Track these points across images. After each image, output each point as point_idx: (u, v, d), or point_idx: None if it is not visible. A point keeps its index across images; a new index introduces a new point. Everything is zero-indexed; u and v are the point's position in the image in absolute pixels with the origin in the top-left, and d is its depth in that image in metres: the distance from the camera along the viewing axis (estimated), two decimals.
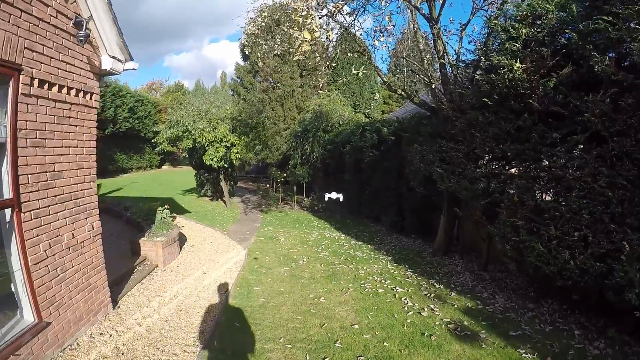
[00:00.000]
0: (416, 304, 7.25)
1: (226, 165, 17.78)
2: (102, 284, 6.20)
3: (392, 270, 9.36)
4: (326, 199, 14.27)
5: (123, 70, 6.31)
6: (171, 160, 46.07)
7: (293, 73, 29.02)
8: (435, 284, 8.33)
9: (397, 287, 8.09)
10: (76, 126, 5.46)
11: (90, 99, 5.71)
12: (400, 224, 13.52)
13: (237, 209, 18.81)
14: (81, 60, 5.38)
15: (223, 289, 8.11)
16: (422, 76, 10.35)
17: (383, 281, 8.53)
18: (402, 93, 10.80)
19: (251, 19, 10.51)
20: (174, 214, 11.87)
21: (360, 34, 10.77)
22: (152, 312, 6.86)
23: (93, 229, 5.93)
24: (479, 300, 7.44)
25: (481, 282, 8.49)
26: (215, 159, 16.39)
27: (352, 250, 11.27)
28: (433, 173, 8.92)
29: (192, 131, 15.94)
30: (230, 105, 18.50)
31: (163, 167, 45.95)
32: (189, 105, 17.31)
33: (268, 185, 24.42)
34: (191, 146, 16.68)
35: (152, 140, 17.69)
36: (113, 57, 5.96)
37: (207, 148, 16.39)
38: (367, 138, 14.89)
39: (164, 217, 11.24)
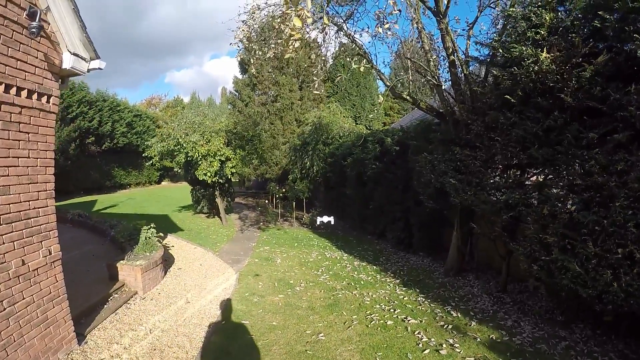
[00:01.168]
0: (432, 339, 6.19)
1: (221, 181, 16.93)
2: (63, 318, 5.42)
3: (402, 296, 8.29)
4: (318, 222, 13.19)
5: (88, 69, 5.52)
6: (171, 176, 45.20)
7: (292, 85, 28.37)
8: (451, 312, 7.27)
9: (409, 318, 7.03)
10: (28, 133, 4.72)
11: (48, 102, 4.98)
12: (407, 240, 12.47)
13: (233, 227, 17.79)
14: (36, 57, 4.69)
15: (206, 322, 7.12)
16: (428, 78, 9.39)
17: (392, 310, 7.45)
18: (408, 98, 9.85)
19: (243, 22, 9.60)
20: (160, 234, 11.10)
21: (360, 35, 9.78)
22: (122, 350, 5.93)
23: (50, 254, 5.13)
24: (503, 330, 6.42)
25: (502, 307, 7.48)
26: (209, 174, 15.46)
27: (355, 273, 10.20)
28: (446, 184, 7.92)
29: (184, 144, 15.02)
30: (225, 118, 17.57)
31: (162, 183, 45.05)
32: (181, 117, 16.39)
33: (267, 202, 23.54)
34: (184, 160, 15.76)
35: (143, 155, 16.70)
36: (75, 55, 5.19)
37: (200, 162, 15.48)
38: (369, 149, 13.95)
39: (149, 237, 10.33)
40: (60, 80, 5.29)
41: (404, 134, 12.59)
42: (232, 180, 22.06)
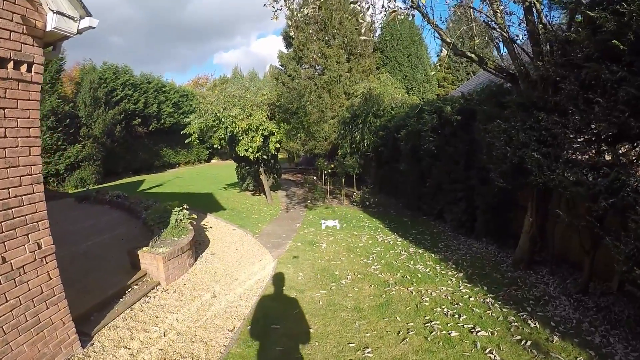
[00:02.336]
0: None
1: (265, 157, 15.86)
2: (60, 319, 4.81)
3: (467, 295, 6.86)
4: (323, 227, 11.79)
5: (79, 30, 4.57)
6: (220, 154, 44.75)
7: (339, 57, 26.83)
8: (528, 320, 5.81)
9: (477, 328, 5.64)
10: (3, 109, 4.02)
11: (28, 71, 4.21)
12: (469, 224, 10.89)
13: (278, 205, 16.79)
14: (11, 20, 3.94)
15: (230, 324, 6.07)
16: (498, 31, 7.78)
17: (456, 316, 6.06)
18: (472, 55, 8.28)
19: None
20: (194, 215, 10.14)
21: None
22: (128, 357, 5.08)
23: (39, 248, 4.48)
24: (592, 349, 4.99)
25: (585, 314, 5.98)
26: (250, 150, 14.41)
27: (411, 262, 8.80)
28: (527, 160, 6.36)
29: (223, 119, 14.01)
30: (268, 90, 16.42)
31: (212, 161, 44.84)
32: (220, 91, 15.30)
33: (315, 178, 22.37)
34: (223, 136, 14.77)
35: (182, 132, 15.78)
36: (59, 13, 4.27)
37: (240, 138, 14.44)
38: (425, 120, 12.40)
39: (180, 220, 9.40)
40: (51, 46, 4.68)
41: (466, 101, 10.95)
42: (279, 156, 21.12)
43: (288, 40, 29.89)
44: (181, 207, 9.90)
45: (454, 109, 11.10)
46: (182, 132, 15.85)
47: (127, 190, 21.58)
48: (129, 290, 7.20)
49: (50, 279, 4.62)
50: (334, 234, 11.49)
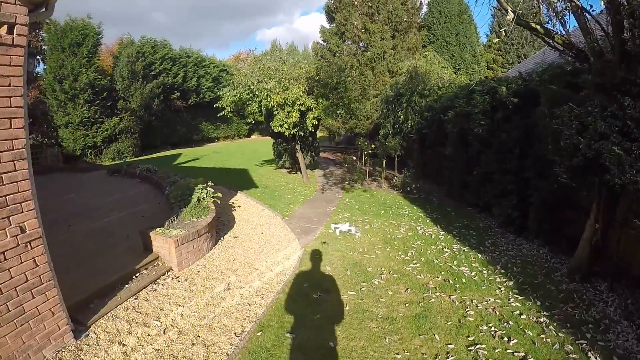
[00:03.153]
0: None
1: (302, 134, 15.05)
2: (49, 309, 4.39)
3: (518, 311, 5.72)
4: (337, 232, 10.59)
5: None
6: (261, 129, 44.36)
7: (383, 33, 25.67)
8: (588, 352, 4.68)
9: (530, 358, 4.57)
10: None
11: (9, 33, 3.68)
12: (519, 221, 9.63)
13: (314, 185, 15.97)
14: None
15: (239, 326, 5.26)
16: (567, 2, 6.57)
17: (505, 339, 4.97)
18: (537, 27, 7.09)
19: None
20: (218, 194, 9.40)
21: None
22: (120, 355, 4.49)
23: (22, 232, 4.02)
24: None
25: None
26: (286, 125, 13.52)
27: (454, 262, 7.69)
28: (604, 154, 5.20)
29: (257, 93, 13.15)
30: (306, 64, 15.43)
31: (252, 136, 44.47)
32: (254, 63, 14.39)
33: (355, 158, 21.36)
34: (257, 110, 13.93)
35: (215, 105, 15.10)
36: None
37: (275, 112, 13.58)
38: (476, 101, 11.18)
39: (202, 199, 8.65)
40: (43, 7, 4.04)
41: (524, 82, 9.70)
42: (319, 134, 20.25)
43: (330, 14, 28.81)
44: (205, 185, 9.19)
45: (510, 90, 9.90)
46: (214, 106, 15.16)
47: (162, 163, 21.87)
48: (137, 275, 6.55)
49: (37, 265, 4.16)
50: (370, 222, 10.48)
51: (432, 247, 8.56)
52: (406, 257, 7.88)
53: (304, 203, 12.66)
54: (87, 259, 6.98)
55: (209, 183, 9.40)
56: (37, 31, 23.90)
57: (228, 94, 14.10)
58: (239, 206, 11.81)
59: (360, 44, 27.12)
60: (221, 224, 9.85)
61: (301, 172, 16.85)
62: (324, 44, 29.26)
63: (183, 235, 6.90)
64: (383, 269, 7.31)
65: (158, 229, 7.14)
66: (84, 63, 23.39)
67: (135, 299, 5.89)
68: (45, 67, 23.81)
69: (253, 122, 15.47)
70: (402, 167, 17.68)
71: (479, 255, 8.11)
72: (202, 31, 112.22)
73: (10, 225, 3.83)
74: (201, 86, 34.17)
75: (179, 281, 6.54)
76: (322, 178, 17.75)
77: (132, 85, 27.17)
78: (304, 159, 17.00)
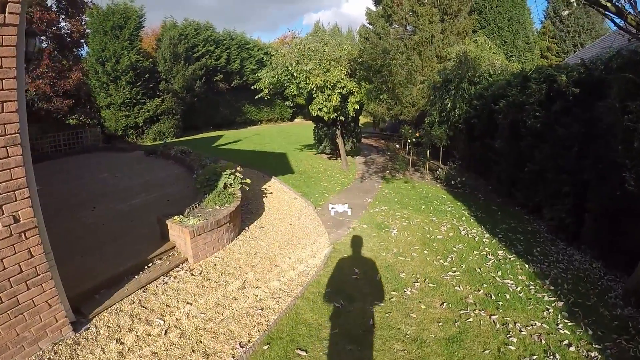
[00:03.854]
0: None
1: (343, 118, 14.28)
2: (46, 301, 4.24)
3: (566, 341, 4.75)
4: (332, 213, 9.62)
5: None
6: (305, 113, 43.83)
7: (432, 16, 24.41)
8: None
9: None
10: None
11: (1, 12, 3.45)
12: (572, 228, 8.56)
13: (353, 172, 15.22)
14: None
15: (247, 334, 4.69)
16: None
17: None
18: (608, 5, 6.09)
19: None
20: (247, 181, 9.01)
21: None
22: (116, 356, 4.22)
23: (17, 221, 3.85)
24: None
25: None
26: (325, 109, 12.79)
27: (499, 273, 6.73)
28: None
29: (295, 74, 12.46)
30: (349, 45, 14.49)
31: (296, 120, 43.76)
32: (294, 44, 13.68)
33: (398, 146, 20.44)
34: (295, 93, 13.26)
35: (252, 87, 14.57)
36: None
37: (315, 95, 12.85)
38: (532, 91, 10.10)
39: (229, 185, 8.10)
40: None
41: (587, 70, 8.63)
42: (362, 119, 19.49)
43: None
44: (233, 170, 8.65)
45: (570, 79, 8.85)
46: (252, 88, 14.71)
47: (202, 145, 22.06)
48: (150, 265, 6.12)
49: (32, 256, 3.99)
50: (409, 218, 9.64)
51: (475, 252, 7.61)
52: (445, 263, 7.01)
53: (339, 192, 11.97)
54: (102, 244, 6.70)
55: (238, 168, 8.89)
56: (80, 16, 24.12)
57: (266, 75, 13.45)
58: (271, 193, 11.28)
59: (408, 28, 26.02)
60: (249, 212, 9.33)
61: (341, 159, 16.13)
62: (370, 27, 28.29)
63: (200, 225, 6.37)
64: (418, 275, 6.51)
65: (176, 217, 6.64)
66: (125, 45, 23.76)
67: (144, 291, 5.48)
68: (88, 50, 24.40)
69: (292, 105, 14.87)
70: (446, 158, 16.69)
71: (526, 265, 7.13)
72: (248, 15, 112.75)
73: (3, 214, 3.68)
74: (244, 69, 33.84)
75: (192, 275, 6.04)
76: (363, 165, 16.98)
77: (174, 67, 27.14)
78: (345, 145, 16.26)
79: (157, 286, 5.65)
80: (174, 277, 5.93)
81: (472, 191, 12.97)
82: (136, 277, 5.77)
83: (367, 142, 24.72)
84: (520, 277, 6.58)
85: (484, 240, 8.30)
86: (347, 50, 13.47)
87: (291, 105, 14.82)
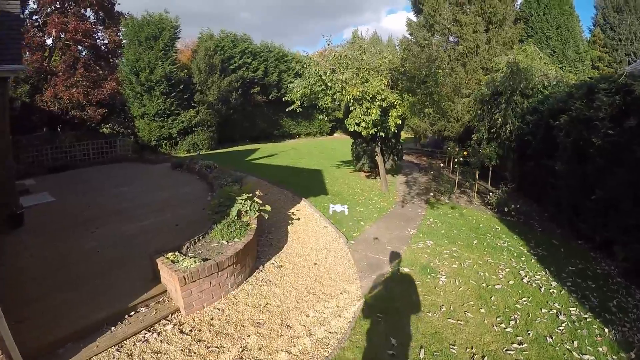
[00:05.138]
0: None
1: (382, 134, 12.84)
2: None
3: None
4: (330, 212, 8.06)
5: None
6: (344, 128, 42.82)
7: (476, 25, 22.82)
8: None
9: None
10: None
11: None
12: None
13: (393, 194, 13.74)
14: None
15: None
16: None
17: None
18: None
19: None
20: (266, 206, 7.74)
21: None
22: None
23: None
24: None
25: None
26: (363, 124, 11.47)
27: (574, 342, 5.12)
28: None
29: (330, 84, 11.20)
30: (389, 53, 13.01)
31: (335, 134, 42.49)
32: (330, 52, 12.40)
33: (442, 165, 18.89)
34: (329, 105, 12.02)
35: (283, 99, 13.52)
36: None
37: (352, 108, 11.59)
38: (601, 103, 8.56)
39: (244, 213, 6.90)
40: None
41: None
42: (403, 135, 18.15)
43: (418, 5, 26.40)
44: (250, 194, 7.41)
45: None
46: (283, 99, 13.52)
47: (235, 158, 21.82)
48: (133, 313, 5.00)
49: None
50: (459, 257, 8.11)
51: (543, 310, 5.99)
52: (507, 329, 5.42)
53: (378, 220, 10.52)
54: (90, 278, 5.91)
55: (257, 192, 7.68)
56: (117, 26, 24.70)
57: (298, 85, 12.24)
58: (298, 219, 10.01)
59: (450, 38, 24.56)
60: (267, 244, 8.10)
61: (380, 178, 14.72)
62: (411, 37, 26.98)
63: (195, 270, 5.13)
64: (474, 350, 4.94)
65: (169, 255, 5.46)
66: (160, 56, 23.75)
67: (118, 350, 4.44)
68: (123, 60, 24.51)
69: (328, 118, 13.59)
70: (494, 179, 15.08)
71: (605, 329, 5.50)
72: (288, 30, 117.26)
73: None
74: (282, 81, 33.15)
75: (181, 331, 4.85)
76: (404, 186, 15.46)
77: (209, 79, 26.79)
78: (385, 163, 14.86)
79: (135, 344, 4.55)
80: (158, 334, 4.77)
81: (526, 219, 11.27)
82: (113, 328, 4.71)
83: (407, 158, 23.23)
84: (601, 349, 5.03)
85: (551, 290, 6.68)
86: (387, 59, 12.11)
87: (326, 118, 13.59)
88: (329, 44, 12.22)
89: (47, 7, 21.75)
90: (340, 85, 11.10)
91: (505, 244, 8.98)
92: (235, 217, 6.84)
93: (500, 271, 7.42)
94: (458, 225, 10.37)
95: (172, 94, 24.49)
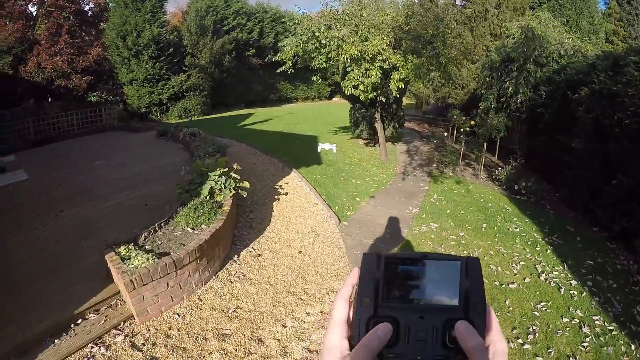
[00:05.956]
0: None
1: (383, 99, 11.86)
2: None
3: None
4: (319, 149, 7.04)
5: None
6: (343, 92, 41.64)
7: None
8: None
9: None
10: None
11: None
12: None
13: (394, 165, 12.72)
14: None
15: None
16: None
17: None
18: None
19: None
20: (245, 183, 6.71)
21: None
22: None
23: None
24: None
25: None
26: (362, 87, 10.43)
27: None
28: None
29: (323, 41, 10.02)
30: (392, 10, 11.84)
31: (334, 99, 41.21)
32: (324, 7, 11.19)
33: (446, 134, 17.77)
34: (323, 65, 10.79)
35: (274, 59, 12.48)
36: None
37: (349, 69, 10.49)
38: (631, 77, 7.51)
39: (218, 191, 5.92)
40: None
41: None
42: (404, 100, 17.06)
43: None
44: (225, 169, 6.39)
45: None
46: (273, 60, 12.81)
47: (228, 124, 21.07)
48: (80, 321, 4.15)
49: None
50: (467, 245, 7.12)
51: (564, 318, 5.01)
52: (526, 345, 4.45)
53: (375, 196, 9.51)
54: (38, 277, 4.97)
55: (235, 166, 6.64)
56: None
57: (290, 44, 11.09)
58: (286, 193, 9.03)
59: (458, 1, 23.27)
60: (248, 226, 7.12)
61: (380, 146, 13.67)
62: (416, 0, 25.74)
63: (145, 273, 4.13)
64: None
65: (121, 249, 4.49)
66: (147, 18, 22.53)
67: None
68: (109, 24, 23.26)
69: (319, 78, 12.31)
70: (506, 153, 13.97)
71: (631, 345, 4.55)
72: None
73: None
74: (279, 43, 31.72)
75: (132, 345, 3.96)
76: (405, 155, 14.38)
77: (200, 41, 25.71)
78: (385, 130, 13.80)
79: None
80: (107, 347, 3.90)
81: (537, 199, 10.26)
82: (57, 341, 3.86)
83: (408, 125, 21.88)
84: None
85: (572, 292, 5.70)
86: (390, 16, 11.01)
87: (320, 80, 12.35)
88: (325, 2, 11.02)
89: None
90: (336, 43, 9.96)
91: (518, 229, 7.98)
92: (207, 197, 5.87)
93: (514, 265, 6.42)
94: (465, 204, 9.36)
95: (162, 58, 23.38)
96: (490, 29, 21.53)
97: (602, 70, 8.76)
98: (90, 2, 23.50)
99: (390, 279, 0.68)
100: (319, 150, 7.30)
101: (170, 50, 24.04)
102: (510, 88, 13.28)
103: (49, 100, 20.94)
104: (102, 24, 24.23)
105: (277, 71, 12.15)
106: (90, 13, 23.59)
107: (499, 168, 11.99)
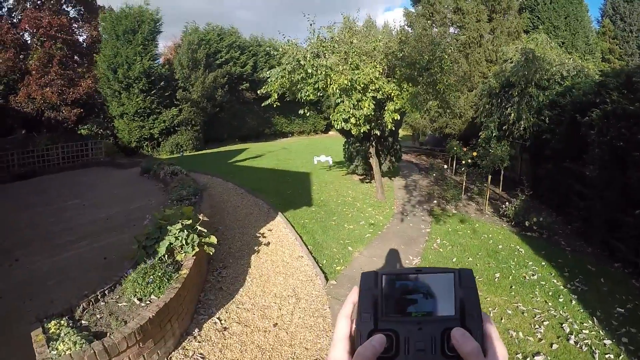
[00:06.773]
0: None
1: (378, 132, 11.22)
2: None
3: None
4: (315, 162, 6.32)
5: None
6: None
7: (479, 14, 21.48)
8: None
9: None
10: None
11: None
12: None
13: (391, 203, 11.77)
14: None
15: None
16: None
17: None
18: None
19: None
20: (212, 238, 5.81)
21: None
22: None
23: None
24: None
25: None
26: (353, 120, 9.57)
27: None
28: None
29: (310, 70, 9.26)
30: (384, 36, 11.12)
31: (330, 132, 40.67)
32: (313, 35, 10.48)
33: (445, 166, 16.91)
34: (310, 97, 10.11)
35: (259, 91, 11.80)
36: None
37: (339, 101, 9.67)
38: None
39: (178, 249, 5.00)
40: None
41: None
42: (401, 132, 16.37)
43: None
44: (189, 221, 5.46)
45: None
46: (258, 92, 12.36)
47: (219, 159, 20.63)
48: None
49: None
50: (480, 301, 5.84)
51: None
52: None
53: (370, 243, 8.51)
54: None
55: (201, 217, 5.74)
56: (97, 19, 23.64)
57: (275, 74, 10.38)
58: (268, 243, 8.07)
59: (452, 29, 22.94)
60: (216, 288, 6.10)
61: (375, 183, 12.70)
62: (409, 28, 25.40)
63: None
64: None
65: (52, 324, 3.57)
66: (139, 51, 22.34)
67: None
68: (100, 56, 23.06)
69: (307, 111, 11.32)
70: (511, 184, 13.03)
71: None
72: (286, 26, 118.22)
73: None
74: (263, 74, 31.98)
75: None
76: (403, 191, 13.50)
77: (192, 74, 25.42)
78: (380, 165, 12.94)
79: None
80: None
81: (549, 235, 9.23)
82: None
83: (406, 158, 21.21)
84: None
85: (607, 355, 4.68)
86: (383, 42, 10.27)
87: (308, 113, 11.37)
88: (311, 24, 10.28)
89: (24, 3, 20.70)
90: (323, 72, 9.23)
91: (535, 276, 6.91)
92: (165, 256, 4.93)
93: (537, 326, 5.34)
94: (472, 248, 8.36)
95: (153, 92, 23.07)
96: (486, 55, 21.44)
97: (614, 88, 8.11)
98: (84, 34, 23.55)
99: (389, 294, 0.73)
100: (315, 162, 6.46)
101: (162, 83, 23.84)
102: (512, 114, 12.63)
103: (36, 132, 20.56)
104: (95, 55, 23.98)
105: (262, 105, 11.39)
106: (84, 45, 23.58)
107: (506, 202, 11.02)
